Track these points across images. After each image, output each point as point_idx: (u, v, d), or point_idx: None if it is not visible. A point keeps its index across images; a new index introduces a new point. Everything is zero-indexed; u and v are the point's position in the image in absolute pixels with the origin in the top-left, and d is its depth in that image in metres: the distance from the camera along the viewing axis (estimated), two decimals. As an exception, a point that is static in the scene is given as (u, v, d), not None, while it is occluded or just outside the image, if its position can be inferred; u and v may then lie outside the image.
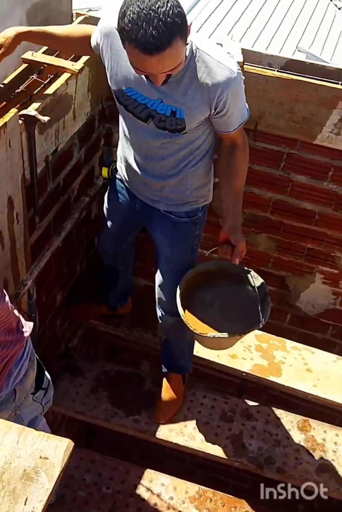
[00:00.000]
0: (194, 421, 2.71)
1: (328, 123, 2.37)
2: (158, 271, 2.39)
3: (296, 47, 8.39)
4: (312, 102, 2.34)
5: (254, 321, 2.13)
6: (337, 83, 2.29)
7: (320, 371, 2.85)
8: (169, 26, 1.58)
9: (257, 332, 2.92)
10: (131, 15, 1.58)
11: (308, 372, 2.86)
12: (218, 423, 2.72)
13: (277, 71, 2.40)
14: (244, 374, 2.87)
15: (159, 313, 2.49)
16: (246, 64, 2.35)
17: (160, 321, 2.52)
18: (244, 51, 2.38)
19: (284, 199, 2.76)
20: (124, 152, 2.21)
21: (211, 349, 2.40)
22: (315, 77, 2.34)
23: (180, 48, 1.65)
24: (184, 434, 2.67)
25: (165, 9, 1.57)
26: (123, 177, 2.31)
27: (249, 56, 2.42)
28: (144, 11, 1.56)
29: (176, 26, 1.59)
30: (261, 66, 2.42)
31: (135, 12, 1.57)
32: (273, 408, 2.84)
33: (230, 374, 2.97)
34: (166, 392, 2.71)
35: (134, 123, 2.02)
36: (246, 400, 2.86)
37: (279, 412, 2.82)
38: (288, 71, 2.38)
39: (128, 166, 2.22)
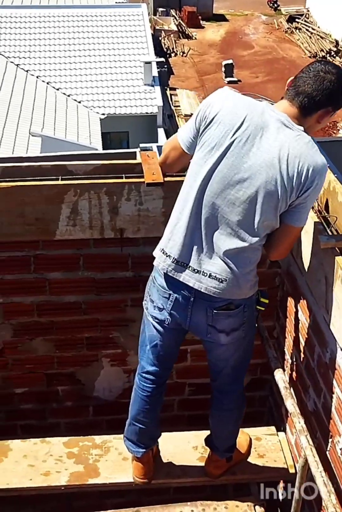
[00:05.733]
0: None
1: (62, 218, 2.34)
2: None
3: (29, 132, 8.50)
4: (39, 203, 2.30)
5: None
6: (57, 179, 2.27)
7: (135, 454, 2.74)
8: None
9: (63, 439, 2.78)
10: None
11: (124, 461, 2.74)
12: None
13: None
14: (62, 488, 2.63)
15: None
16: None
17: None
18: None
19: (47, 299, 2.68)
20: None
21: None
22: (35, 178, 2.31)
23: None
24: None
25: None
26: None
27: None
28: None
29: None
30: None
31: None
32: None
33: (50, 494, 2.71)
34: None
35: None
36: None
37: (107, 515, 2.64)
38: (6, 179, 2.30)
39: None
